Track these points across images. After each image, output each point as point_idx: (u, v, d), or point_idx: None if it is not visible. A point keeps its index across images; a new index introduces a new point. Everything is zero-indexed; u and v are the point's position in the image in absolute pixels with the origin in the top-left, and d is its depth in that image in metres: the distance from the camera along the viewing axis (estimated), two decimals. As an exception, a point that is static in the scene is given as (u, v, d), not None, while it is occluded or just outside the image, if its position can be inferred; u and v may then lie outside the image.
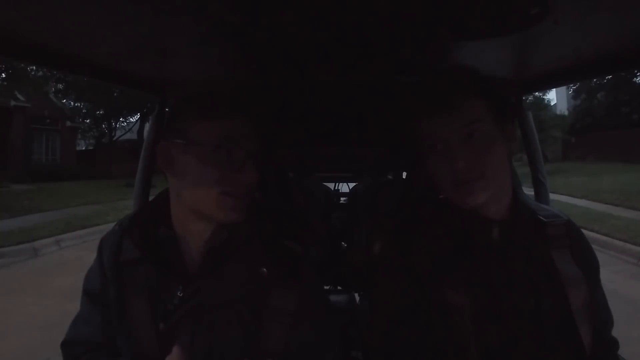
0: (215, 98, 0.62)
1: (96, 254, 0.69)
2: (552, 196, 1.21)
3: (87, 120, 19.36)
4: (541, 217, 0.70)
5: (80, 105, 18.28)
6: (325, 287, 1.90)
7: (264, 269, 0.62)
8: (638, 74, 16.34)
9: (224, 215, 0.60)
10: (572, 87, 19.57)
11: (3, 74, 9.95)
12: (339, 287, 1.95)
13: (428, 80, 0.69)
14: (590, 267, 0.69)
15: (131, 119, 19.11)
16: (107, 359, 0.64)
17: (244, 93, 0.65)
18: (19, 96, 12.61)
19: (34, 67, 9.73)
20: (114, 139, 18.70)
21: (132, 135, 18.95)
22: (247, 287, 0.61)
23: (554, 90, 21.13)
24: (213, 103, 0.61)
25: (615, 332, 0.72)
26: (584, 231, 0.74)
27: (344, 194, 2.70)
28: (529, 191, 1.16)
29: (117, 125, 18.99)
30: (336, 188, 2.87)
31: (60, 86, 16.00)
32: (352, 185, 2.59)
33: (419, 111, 0.65)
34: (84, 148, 20.81)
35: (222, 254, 0.62)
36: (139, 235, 0.64)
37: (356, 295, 1.91)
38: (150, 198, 0.77)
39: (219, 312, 0.59)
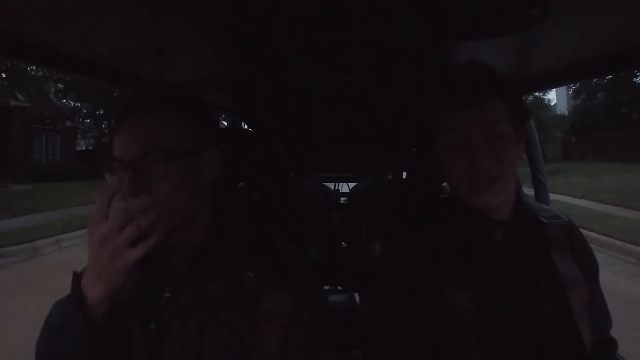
0: (119, 112, 0.58)
1: None
2: (552, 196, 1.21)
3: (87, 120, 19.35)
4: (542, 218, 0.70)
5: (80, 105, 18.27)
6: (325, 287, 1.90)
7: (250, 273, 0.61)
8: (638, 74, 16.34)
9: None
10: (572, 87, 19.58)
11: (3, 74, 9.96)
12: (339, 287, 1.95)
13: (449, 77, 0.66)
14: (589, 269, 0.69)
15: (131, 118, 19.05)
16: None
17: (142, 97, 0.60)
18: (19, 96, 12.61)
19: (34, 67, 9.74)
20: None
21: (132, 135, 18.87)
22: (236, 289, 0.60)
23: (554, 90, 21.13)
24: (116, 119, 0.57)
25: (615, 333, 0.72)
26: (584, 231, 0.75)
27: (344, 194, 2.69)
28: (529, 191, 1.16)
29: (117, 125, 18.95)
30: (336, 188, 2.86)
31: (60, 86, 16.01)
32: (352, 185, 2.59)
33: (441, 104, 0.64)
34: (84, 148, 20.79)
35: (208, 255, 0.61)
36: None
37: (356, 295, 1.91)
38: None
39: (208, 313, 0.59)
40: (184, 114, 0.59)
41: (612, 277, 3.93)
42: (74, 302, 0.53)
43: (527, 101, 12.22)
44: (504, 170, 0.61)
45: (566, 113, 20.24)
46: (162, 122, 0.57)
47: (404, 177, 2.01)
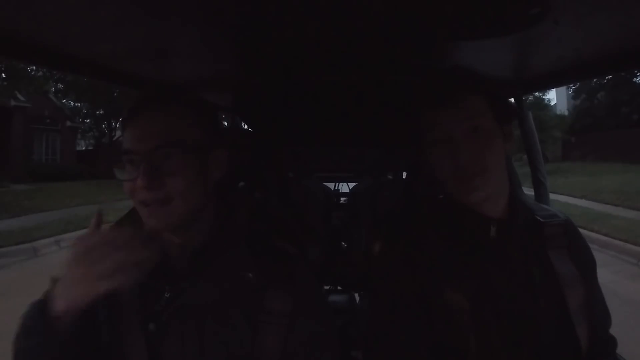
0: (133, 105, 0.58)
1: None
2: (552, 196, 1.21)
3: (87, 120, 19.37)
4: (538, 217, 0.70)
5: (80, 105, 18.29)
6: (325, 287, 1.91)
7: (250, 274, 0.61)
8: (638, 74, 16.33)
9: (147, 224, 0.58)
10: (572, 87, 19.56)
11: (3, 74, 9.96)
12: (339, 287, 1.95)
13: (431, 77, 0.70)
14: (587, 266, 0.70)
15: (131, 119, 19.10)
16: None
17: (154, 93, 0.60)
18: (19, 96, 12.60)
19: (34, 67, 9.74)
20: (114, 139, 18.72)
21: (132, 135, 18.91)
22: (235, 289, 0.60)
23: (554, 90, 21.16)
24: (128, 111, 0.58)
25: (614, 333, 0.72)
26: (584, 231, 0.75)
27: (344, 194, 2.70)
28: (529, 191, 1.16)
29: (117, 125, 18.99)
30: (336, 188, 2.87)
31: (60, 86, 16.00)
32: (352, 185, 2.59)
33: (424, 103, 0.66)
34: (84, 148, 20.80)
35: (206, 256, 0.61)
36: None
37: (356, 295, 1.91)
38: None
39: (207, 314, 0.59)
40: (196, 112, 0.60)
41: (612, 277, 3.92)
42: (39, 308, 0.53)
43: (527, 101, 12.21)
44: (487, 165, 0.62)
45: (566, 113, 20.24)
46: (177, 116, 0.57)
47: (404, 177, 2.01)
